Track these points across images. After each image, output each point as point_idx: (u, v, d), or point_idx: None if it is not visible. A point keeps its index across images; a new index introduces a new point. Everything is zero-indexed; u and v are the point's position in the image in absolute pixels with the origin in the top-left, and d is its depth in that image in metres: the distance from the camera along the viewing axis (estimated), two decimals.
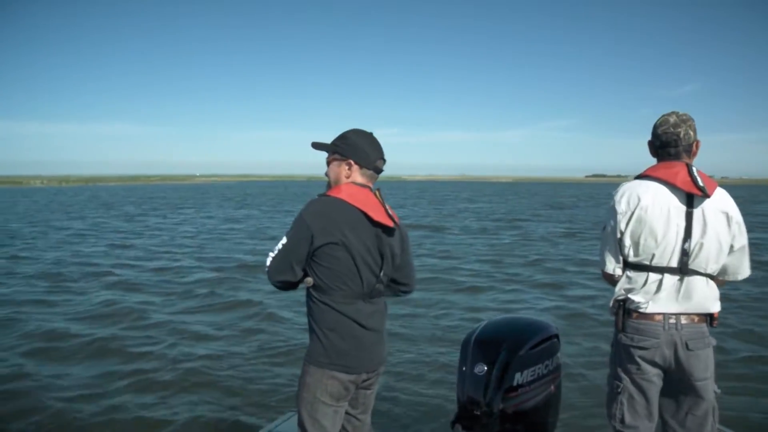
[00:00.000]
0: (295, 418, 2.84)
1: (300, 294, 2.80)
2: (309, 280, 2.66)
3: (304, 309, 2.76)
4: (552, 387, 3.14)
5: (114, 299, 10.50)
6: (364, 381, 2.75)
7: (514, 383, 2.99)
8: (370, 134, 2.80)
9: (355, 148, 2.72)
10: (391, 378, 6.14)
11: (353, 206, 2.61)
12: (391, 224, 2.69)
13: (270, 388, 6.17)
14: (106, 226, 27.05)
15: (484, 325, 3.26)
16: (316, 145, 2.87)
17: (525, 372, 3.02)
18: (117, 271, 13.77)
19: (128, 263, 15.13)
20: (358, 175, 2.73)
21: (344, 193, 2.64)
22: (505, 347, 3.05)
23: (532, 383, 3.04)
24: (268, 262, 2.69)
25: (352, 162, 2.71)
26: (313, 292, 2.67)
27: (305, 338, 2.76)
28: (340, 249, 2.57)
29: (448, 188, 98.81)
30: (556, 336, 3.22)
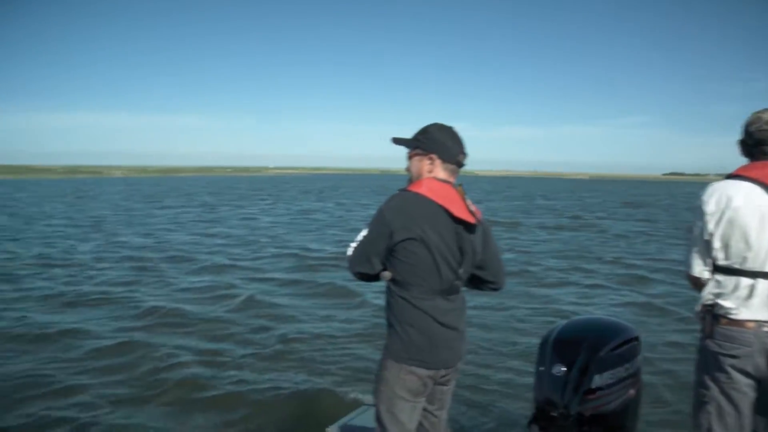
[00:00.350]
0: (370, 411, 2.85)
1: None
2: (387, 274, 2.68)
3: None
4: (632, 391, 3.05)
5: (207, 283, 11.14)
6: (442, 377, 2.74)
7: (593, 386, 2.92)
8: (451, 128, 2.78)
9: (437, 142, 2.71)
10: (468, 374, 6.08)
11: (434, 201, 2.60)
12: (472, 220, 2.66)
13: (351, 378, 6.27)
14: (189, 215, 28.07)
15: (563, 326, 3.20)
16: (397, 141, 2.86)
17: (604, 374, 2.95)
18: (208, 257, 14.44)
19: (218, 250, 15.78)
20: (440, 170, 2.71)
21: (425, 188, 2.63)
22: (585, 348, 2.98)
23: (612, 386, 2.96)
24: (349, 252, 2.74)
25: (434, 156, 2.70)
26: (392, 287, 2.68)
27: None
28: (418, 245, 2.56)
29: (522, 184, 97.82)
30: (637, 338, 3.14)
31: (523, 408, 5.12)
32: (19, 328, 7.94)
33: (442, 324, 2.65)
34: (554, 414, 2.93)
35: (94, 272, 12.30)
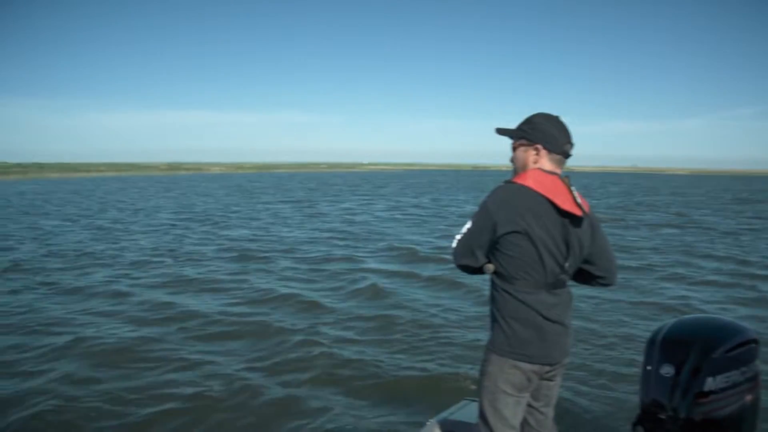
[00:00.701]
0: (471, 406, 2.79)
1: None
2: (490, 266, 2.64)
3: None
4: (749, 396, 2.85)
5: (323, 274, 11.79)
6: (547, 372, 2.68)
7: (705, 389, 2.74)
8: (557, 117, 2.71)
9: (543, 132, 2.65)
10: (573, 371, 5.98)
11: (539, 194, 2.53)
12: (579, 213, 2.57)
13: (455, 370, 6.29)
14: (291, 209, 29.00)
15: (672, 324, 3.02)
16: (501, 131, 2.81)
17: (718, 377, 2.76)
18: (319, 249, 15.18)
19: (327, 243, 16.48)
20: (545, 161, 2.65)
21: (531, 180, 2.56)
22: (697, 348, 2.81)
23: (726, 390, 2.77)
24: (454, 244, 2.71)
25: (540, 147, 2.64)
26: (496, 280, 2.64)
27: None
28: (523, 238, 2.51)
29: (621, 180, 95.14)
30: (756, 341, 2.93)
31: (628, 408, 4.99)
32: (152, 312, 8.70)
33: (547, 318, 2.58)
34: (662, 416, 2.79)
35: (216, 261, 13.24)
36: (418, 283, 10.89)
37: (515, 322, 2.57)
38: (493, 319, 2.67)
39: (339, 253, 14.45)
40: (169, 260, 13.39)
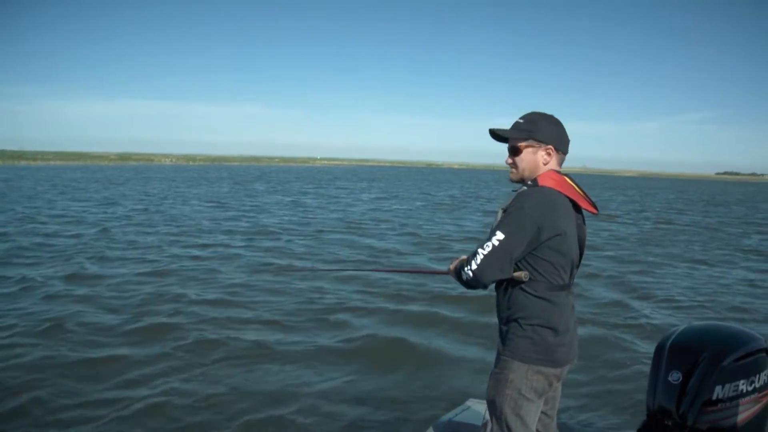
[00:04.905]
0: (475, 408, 2.71)
1: None
2: (524, 274, 2.52)
3: None
4: (757, 407, 2.82)
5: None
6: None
7: (714, 397, 2.71)
8: (553, 116, 2.67)
9: (552, 133, 2.61)
10: (578, 376, 5.89)
11: (564, 195, 2.53)
12: (595, 211, 2.65)
13: (462, 371, 6.22)
14: (272, 202, 29.32)
15: (682, 330, 2.99)
16: (502, 133, 2.68)
17: (727, 386, 2.73)
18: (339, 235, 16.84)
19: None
20: (554, 162, 2.63)
21: (554, 182, 2.55)
22: (706, 356, 2.77)
23: (734, 399, 2.74)
24: (477, 261, 2.49)
25: (551, 148, 2.60)
26: (525, 287, 2.54)
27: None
28: (562, 241, 2.48)
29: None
30: (766, 350, 2.89)
31: (635, 415, 4.88)
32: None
33: (569, 320, 2.59)
34: (668, 423, 2.76)
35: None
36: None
37: (542, 327, 2.53)
38: (516, 326, 2.58)
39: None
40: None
